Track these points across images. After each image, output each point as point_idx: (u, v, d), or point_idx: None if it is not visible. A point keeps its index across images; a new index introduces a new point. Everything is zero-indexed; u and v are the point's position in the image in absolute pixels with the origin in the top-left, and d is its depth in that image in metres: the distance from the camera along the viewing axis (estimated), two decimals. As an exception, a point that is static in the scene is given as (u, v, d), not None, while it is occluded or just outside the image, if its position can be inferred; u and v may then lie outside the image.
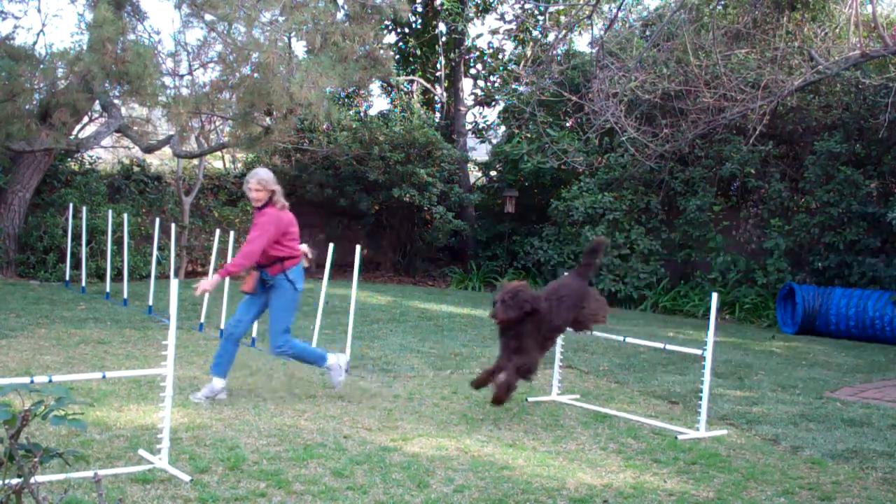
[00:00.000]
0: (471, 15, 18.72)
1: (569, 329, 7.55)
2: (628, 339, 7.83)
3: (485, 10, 19.28)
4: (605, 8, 15.63)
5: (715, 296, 6.56)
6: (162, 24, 29.38)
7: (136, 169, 15.69)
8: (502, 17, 19.36)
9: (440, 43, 18.84)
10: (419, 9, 18.99)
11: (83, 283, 12.16)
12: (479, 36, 19.88)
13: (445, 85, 19.32)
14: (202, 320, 9.80)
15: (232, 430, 5.73)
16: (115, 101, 13.15)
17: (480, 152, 19.84)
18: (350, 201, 16.43)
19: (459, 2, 18.01)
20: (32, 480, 2.48)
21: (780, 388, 8.08)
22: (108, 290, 11.67)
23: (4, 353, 7.75)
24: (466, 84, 19.66)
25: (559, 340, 7.45)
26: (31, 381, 4.42)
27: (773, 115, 13.45)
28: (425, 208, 16.28)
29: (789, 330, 12.11)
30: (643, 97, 13.40)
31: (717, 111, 13.02)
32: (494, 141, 19.04)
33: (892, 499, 5.05)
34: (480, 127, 19.85)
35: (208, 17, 11.64)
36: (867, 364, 9.71)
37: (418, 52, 19.29)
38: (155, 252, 11.02)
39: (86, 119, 14.18)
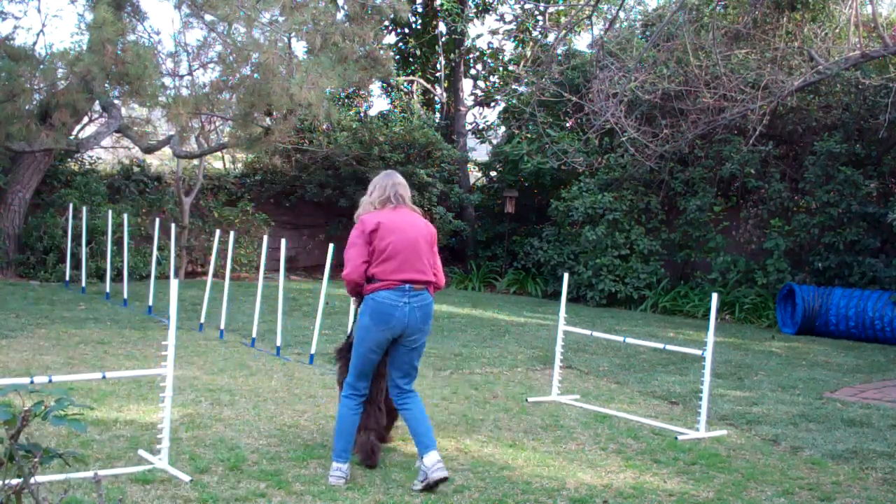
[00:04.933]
0: (471, 15, 18.72)
1: (568, 328, 7.55)
2: (628, 340, 7.84)
3: (484, 10, 19.28)
4: (605, 7, 15.62)
5: (715, 296, 6.57)
6: (162, 24, 29.46)
7: (136, 169, 15.69)
8: (502, 18, 19.36)
9: (440, 43, 18.84)
10: (419, 9, 18.99)
11: (83, 284, 12.16)
12: (478, 36, 19.88)
13: (445, 85, 19.32)
14: (202, 320, 9.80)
15: (232, 430, 5.73)
16: (115, 102, 13.16)
17: (480, 153, 19.83)
18: (350, 201, 16.41)
19: (459, 2, 18.01)
20: (32, 481, 2.48)
21: (780, 388, 8.08)
22: (108, 290, 11.67)
23: (4, 353, 7.75)
24: (466, 84, 19.66)
25: (559, 341, 7.45)
26: (31, 382, 4.42)
27: (773, 116, 13.44)
28: (425, 209, 16.28)
29: (789, 330, 12.11)
30: (643, 97, 13.40)
31: (717, 111, 13.01)
32: (494, 141, 19.04)
33: (892, 499, 5.05)
34: (480, 127, 19.85)
35: (208, 17, 11.65)
36: (867, 364, 9.71)
37: (418, 52, 19.28)
38: (155, 252, 11.02)
39: (86, 119, 14.18)
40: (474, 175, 19.20)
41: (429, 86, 19.32)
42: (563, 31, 15.09)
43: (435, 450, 4.80)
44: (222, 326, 9.41)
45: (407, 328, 4.87)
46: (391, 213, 4.95)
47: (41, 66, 11.30)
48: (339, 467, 4.84)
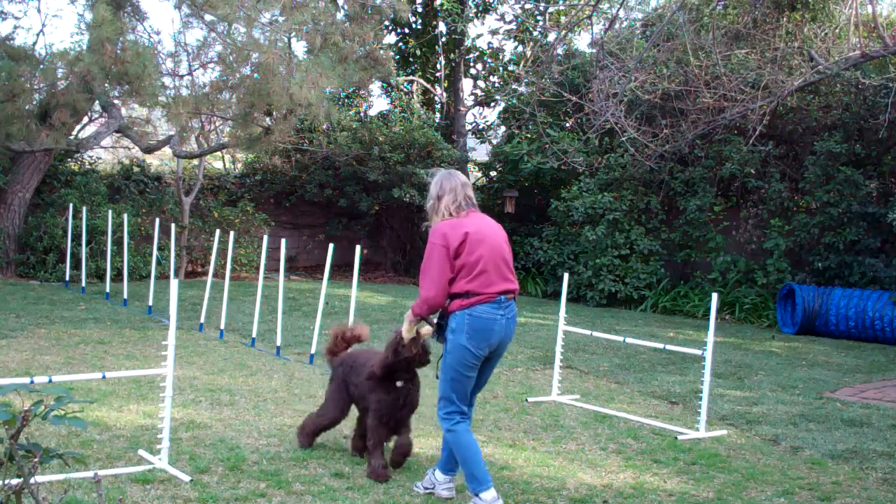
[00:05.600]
0: (471, 15, 18.72)
1: (568, 328, 7.55)
2: (628, 340, 7.84)
3: (485, 10, 19.28)
4: (605, 7, 15.62)
5: (715, 296, 6.57)
6: (162, 24, 29.38)
7: (136, 169, 15.69)
8: (502, 18, 19.36)
9: (440, 43, 18.84)
10: (419, 9, 18.99)
11: (83, 284, 12.15)
12: (478, 36, 19.88)
13: (445, 85, 19.32)
14: (202, 320, 9.80)
15: (232, 430, 5.73)
16: (115, 102, 13.16)
17: (480, 153, 19.83)
18: (350, 201, 16.44)
19: (459, 2, 18.01)
20: (32, 481, 2.48)
21: (780, 388, 8.08)
22: (108, 290, 11.67)
23: (4, 353, 7.75)
24: (466, 84, 19.66)
25: (559, 341, 7.45)
26: (31, 381, 4.42)
27: (773, 116, 13.44)
28: (426, 209, 16.26)
29: (789, 330, 12.11)
30: (643, 97, 13.40)
31: (717, 111, 13.01)
32: (494, 141, 19.04)
33: (892, 499, 5.05)
34: (480, 127, 19.85)
35: (208, 17, 11.64)
36: (867, 364, 9.71)
37: (418, 52, 19.28)
38: (155, 252, 11.02)
39: (86, 119, 14.18)
40: (474, 175, 19.20)
41: (429, 86, 19.31)
42: (563, 31, 15.08)
43: (455, 475, 4.73)
44: (222, 326, 9.41)
45: (502, 342, 4.60)
46: (469, 220, 4.58)
47: (41, 66, 11.30)
48: (492, 494, 4.46)
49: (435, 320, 4.67)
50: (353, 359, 5.34)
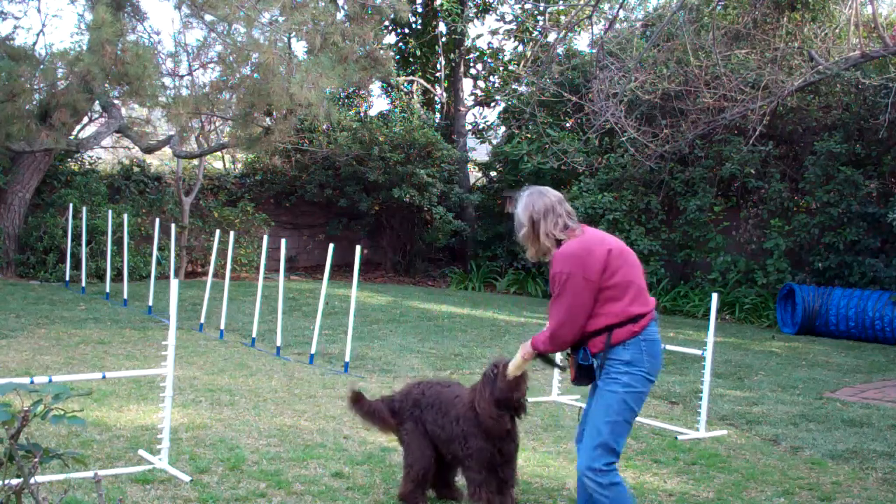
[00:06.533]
0: (471, 15, 18.73)
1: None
2: (628, 340, 7.83)
3: (485, 10, 19.29)
4: (606, 7, 15.63)
5: (715, 296, 6.57)
6: (162, 24, 29.43)
7: (136, 169, 15.69)
8: (502, 18, 19.37)
9: (440, 43, 18.84)
10: (419, 9, 18.99)
11: (83, 284, 12.15)
12: (478, 36, 19.89)
13: (445, 85, 19.33)
14: (202, 320, 9.80)
15: (232, 430, 5.73)
16: (115, 102, 13.17)
17: (480, 152, 19.84)
18: (350, 201, 16.44)
19: (459, 2, 18.02)
20: (32, 481, 2.48)
21: (780, 388, 8.08)
22: (108, 290, 11.67)
23: (4, 353, 7.75)
24: (466, 84, 19.67)
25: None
26: (31, 381, 4.41)
27: (773, 116, 13.44)
28: (425, 209, 16.28)
29: (789, 330, 12.11)
30: (643, 97, 13.40)
31: (717, 111, 13.01)
32: (494, 141, 19.05)
33: (892, 499, 5.05)
34: (480, 127, 19.85)
35: (208, 17, 11.65)
36: (867, 364, 9.71)
37: (418, 52, 19.29)
38: (155, 252, 11.03)
39: (86, 119, 14.19)
40: (474, 175, 19.21)
41: (429, 86, 19.31)
42: (563, 31, 15.08)
43: None
44: (222, 326, 9.41)
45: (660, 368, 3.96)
46: (594, 236, 3.98)
47: (41, 66, 11.31)
48: None
49: (558, 359, 4.04)
50: (422, 393, 4.58)
